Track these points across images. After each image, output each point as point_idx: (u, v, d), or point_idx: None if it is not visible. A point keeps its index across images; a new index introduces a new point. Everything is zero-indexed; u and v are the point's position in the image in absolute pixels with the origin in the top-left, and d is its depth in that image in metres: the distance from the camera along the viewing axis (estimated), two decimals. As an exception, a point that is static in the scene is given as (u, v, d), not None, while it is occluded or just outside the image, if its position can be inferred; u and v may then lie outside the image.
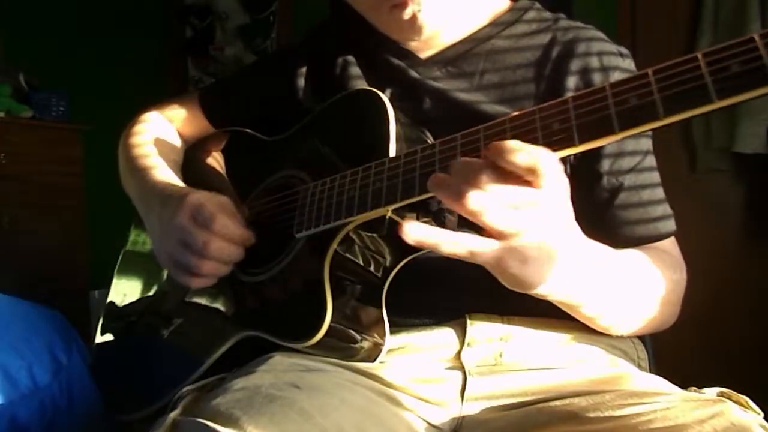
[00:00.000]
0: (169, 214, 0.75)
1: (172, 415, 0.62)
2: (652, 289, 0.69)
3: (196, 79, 3.23)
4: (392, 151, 0.66)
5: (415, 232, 0.52)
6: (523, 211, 0.51)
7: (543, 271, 0.54)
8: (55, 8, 2.78)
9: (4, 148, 2.27)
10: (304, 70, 0.89)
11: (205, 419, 0.56)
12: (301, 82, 0.88)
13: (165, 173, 0.87)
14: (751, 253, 2.08)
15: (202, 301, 0.82)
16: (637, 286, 0.68)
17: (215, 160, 0.95)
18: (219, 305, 0.80)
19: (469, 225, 0.71)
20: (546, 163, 0.49)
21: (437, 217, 0.68)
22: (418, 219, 0.66)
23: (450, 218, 0.69)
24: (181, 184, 0.84)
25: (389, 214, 0.64)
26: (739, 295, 2.02)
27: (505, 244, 0.51)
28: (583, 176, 0.72)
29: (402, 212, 0.64)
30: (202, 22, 3.20)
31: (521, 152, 0.49)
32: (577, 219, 0.56)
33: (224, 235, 0.72)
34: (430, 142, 0.74)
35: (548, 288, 0.56)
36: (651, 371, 0.79)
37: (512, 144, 0.50)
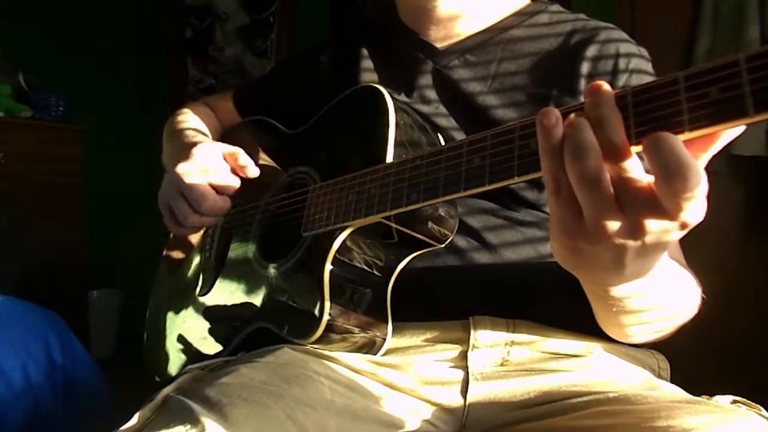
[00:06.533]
0: (179, 160, 0.78)
1: (165, 390, 0.63)
2: (684, 302, 0.64)
3: (196, 79, 3.23)
4: (389, 157, 0.67)
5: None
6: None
7: (651, 262, 0.47)
8: (55, 8, 2.78)
9: (4, 148, 2.27)
10: (325, 65, 0.91)
11: (193, 401, 0.57)
12: (322, 78, 0.90)
13: (195, 130, 0.91)
14: (751, 254, 2.07)
15: (227, 288, 0.85)
16: (678, 296, 0.62)
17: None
18: (240, 295, 0.82)
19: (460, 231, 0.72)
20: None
21: (433, 221, 0.69)
22: (411, 230, 0.68)
23: (438, 229, 0.70)
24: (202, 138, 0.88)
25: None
26: (740, 298, 2.02)
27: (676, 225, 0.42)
28: None
29: (395, 219, 0.65)
30: (202, 23, 3.20)
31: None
32: None
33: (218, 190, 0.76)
34: (439, 136, 0.75)
35: (632, 283, 0.49)
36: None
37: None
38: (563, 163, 0.42)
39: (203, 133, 0.93)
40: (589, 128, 0.41)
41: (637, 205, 0.41)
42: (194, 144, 0.81)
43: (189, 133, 0.90)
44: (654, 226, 0.41)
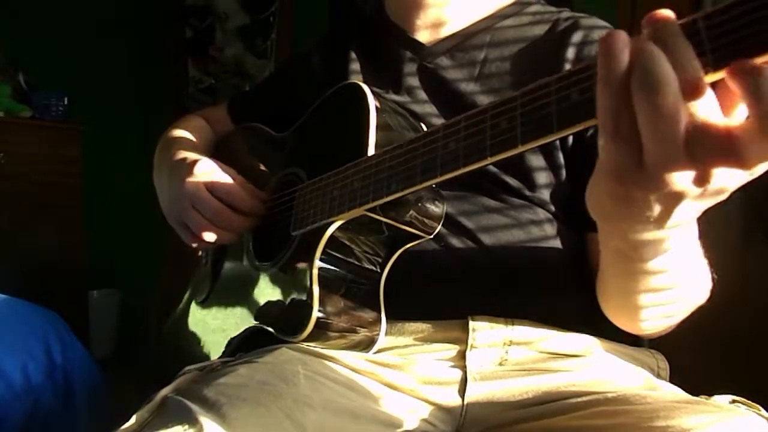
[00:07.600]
0: (182, 176, 0.78)
1: (163, 391, 0.63)
2: (698, 285, 0.61)
3: (196, 79, 3.22)
4: (371, 150, 0.68)
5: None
6: None
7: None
8: (55, 8, 2.78)
9: (4, 148, 2.28)
10: (317, 68, 0.91)
11: (191, 402, 0.57)
12: (314, 80, 0.90)
13: (187, 144, 0.91)
14: (751, 255, 2.07)
15: (226, 289, 0.86)
16: (694, 275, 0.59)
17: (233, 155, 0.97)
18: (238, 295, 0.83)
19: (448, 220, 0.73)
20: None
21: (417, 211, 0.69)
22: (396, 221, 0.68)
23: (423, 219, 0.70)
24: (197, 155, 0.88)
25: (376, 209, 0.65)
26: (740, 298, 2.01)
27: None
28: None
29: (380, 211, 0.66)
30: (202, 23, 3.20)
31: None
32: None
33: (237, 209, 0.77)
34: (423, 127, 0.75)
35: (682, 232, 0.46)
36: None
37: None
38: (628, 98, 0.37)
39: (197, 147, 0.93)
40: (665, 58, 0.35)
41: (711, 150, 0.35)
42: (189, 159, 0.81)
43: (183, 150, 0.89)
44: (722, 175, 0.37)
